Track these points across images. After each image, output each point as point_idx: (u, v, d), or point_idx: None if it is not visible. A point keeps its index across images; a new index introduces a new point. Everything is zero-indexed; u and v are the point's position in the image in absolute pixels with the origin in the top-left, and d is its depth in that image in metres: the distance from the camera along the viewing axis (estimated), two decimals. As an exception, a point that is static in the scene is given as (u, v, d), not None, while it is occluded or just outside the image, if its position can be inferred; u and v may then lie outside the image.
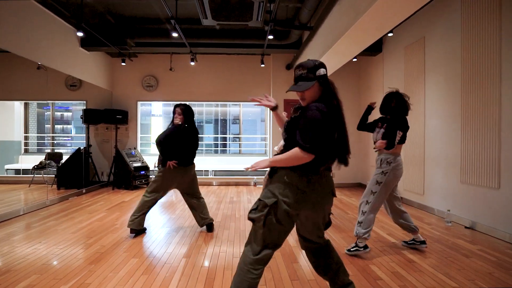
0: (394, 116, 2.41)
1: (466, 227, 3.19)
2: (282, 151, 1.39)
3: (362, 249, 2.34)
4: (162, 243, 2.69)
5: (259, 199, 1.38)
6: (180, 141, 2.81)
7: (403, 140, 2.43)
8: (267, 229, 1.33)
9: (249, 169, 1.38)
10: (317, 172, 1.34)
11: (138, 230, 2.86)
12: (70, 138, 7.29)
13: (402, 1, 2.38)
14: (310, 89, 1.37)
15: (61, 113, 7.28)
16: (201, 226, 3.02)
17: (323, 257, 1.51)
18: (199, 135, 3.04)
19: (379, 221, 3.43)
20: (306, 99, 1.39)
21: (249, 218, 1.37)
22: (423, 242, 2.50)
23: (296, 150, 1.29)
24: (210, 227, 3.02)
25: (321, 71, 1.38)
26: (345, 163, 1.42)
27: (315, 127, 1.28)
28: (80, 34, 3.88)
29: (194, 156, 2.96)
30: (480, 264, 2.24)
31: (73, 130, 7.51)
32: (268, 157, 6.30)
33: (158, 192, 2.85)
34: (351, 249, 2.37)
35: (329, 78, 1.43)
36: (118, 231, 3.02)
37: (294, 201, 1.32)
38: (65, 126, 7.28)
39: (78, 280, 1.96)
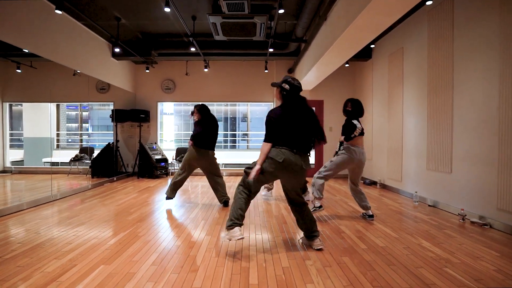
0: (347, 117, 3.18)
1: (429, 205, 3.92)
2: None
3: (318, 208, 3.18)
4: (185, 212, 3.55)
5: (254, 162, 2.24)
6: (209, 131, 3.72)
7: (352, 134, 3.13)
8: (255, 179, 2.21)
9: (252, 178, 2.18)
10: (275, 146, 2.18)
11: (168, 197, 3.84)
12: (87, 136, 8.33)
13: (372, 24, 3.07)
14: (275, 91, 2.37)
15: (83, 112, 8.29)
16: (220, 202, 3.86)
17: (299, 213, 2.37)
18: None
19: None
20: (276, 98, 2.37)
21: (244, 171, 2.27)
22: (371, 216, 3.19)
23: (262, 143, 2.22)
24: (226, 204, 3.87)
25: (285, 85, 2.26)
26: (305, 148, 2.23)
27: (267, 125, 2.20)
28: (117, 50, 4.78)
29: (214, 142, 3.79)
30: (423, 226, 3.00)
31: (90, 128, 8.55)
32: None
33: (184, 169, 3.79)
34: (312, 210, 3.13)
35: (301, 95, 2.29)
36: (150, 205, 3.91)
37: (273, 167, 2.19)
38: (83, 125, 8.31)
39: (131, 230, 2.83)
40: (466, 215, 3.19)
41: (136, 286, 1.76)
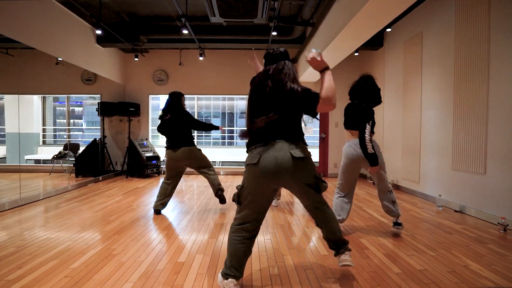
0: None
1: (455, 211, 3.42)
2: None
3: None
4: (175, 221, 3.01)
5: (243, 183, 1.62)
6: (164, 128, 3.18)
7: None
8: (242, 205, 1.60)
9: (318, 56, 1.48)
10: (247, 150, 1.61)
11: (156, 211, 3.23)
12: (81, 131, 7.75)
13: (391, 1, 2.58)
14: None
15: (73, 108, 7.70)
16: (215, 195, 3.38)
17: (319, 216, 1.68)
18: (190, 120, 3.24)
19: (374, 205, 3.68)
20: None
21: (233, 198, 1.64)
22: (398, 224, 2.54)
23: None
24: (221, 199, 3.37)
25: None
26: (290, 133, 1.54)
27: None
28: (98, 32, 4.21)
29: (182, 140, 3.16)
30: (460, 239, 2.49)
31: (84, 124, 7.97)
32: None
33: (168, 176, 3.25)
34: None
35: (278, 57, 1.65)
36: (135, 211, 3.36)
37: (253, 178, 1.54)
38: (76, 120, 7.72)
39: (105, 246, 2.29)
40: (508, 225, 2.69)
41: None
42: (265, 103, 1.54)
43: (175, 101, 3.20)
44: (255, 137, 1.55)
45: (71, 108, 7.68)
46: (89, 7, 4.39)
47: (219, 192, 3.35)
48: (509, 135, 2.79)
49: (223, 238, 2.48)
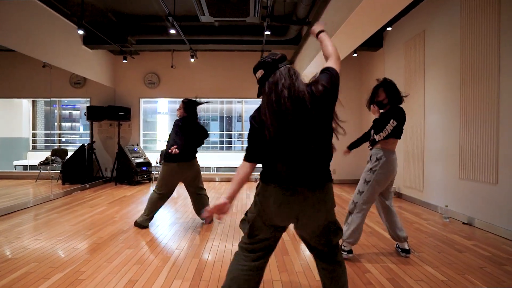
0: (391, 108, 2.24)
1: (464, 223, 3.16)
2: None
3: (345, 253, 2.17)
4: (158, 235, 2.75)
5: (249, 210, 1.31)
6: (181, 136, 2.84)
7: (397, 134, 2.19)
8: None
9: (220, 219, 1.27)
10: (264, 181, 1.22)
11: (142, 226, 2.93)
12: (78, 135, 7.50)
13: None
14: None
15: (69, 111, 7.47)
16: (200, 217, 3.09)
17: (328, 275, 1.31)
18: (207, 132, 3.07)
19: (376, 216, 3.42)
20: None
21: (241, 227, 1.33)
22: (406, 251, 2.25)
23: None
24: (211, 219, 3.08)
25: (259, 73, 1.27)
26: (312, 178, 1.17)
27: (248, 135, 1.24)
28: (81, 32, 3.96)
29: (195, 151, 3.00)
30: (473, 259, 2.23)
31: (81, 128, 7.72)
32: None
33: (165, 188, 2.92)
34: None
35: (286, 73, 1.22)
36: (117, 223, 3.10)
37: (256, 214, 1.24)
38: (73, 124, 7.48)
39: (73, 268, 2.02)
40: (524, 242, 2.43)
41: None
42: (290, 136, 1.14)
43: (192, 108, 2.93)
44: (274, 170, 1.18)
45: (68, 111, 7.45)
46: (71, 5, 4.15)
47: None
48: (523, 142, 2.55)
49: (208, 257, 2.22)
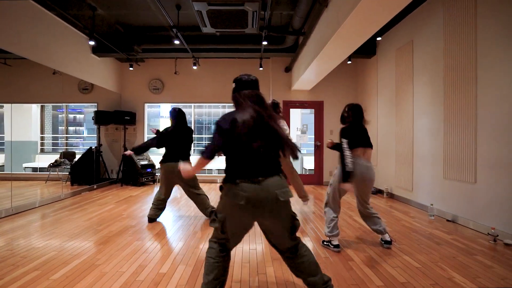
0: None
1: (448, 220, 3.38)
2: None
3: (332, 246, 2.43)
4: (163, 229, 3.00)
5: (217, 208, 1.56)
6: (168, 142, 3.19)
7: (355, 145, 2.46)
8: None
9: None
10: (228, 181, 1.46)
11: (152, 219, 3.27)
12: (82, 139, 7.81)
13: (377, 11, 2.61)
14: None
15: (74, 115, 7.78)
16: (206, 215, 3.37)
17: (294, 262, 1.56)
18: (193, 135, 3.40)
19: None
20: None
21: (211, 220, 1.56)
22: (388, 242, 2.51)
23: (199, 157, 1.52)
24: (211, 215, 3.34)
25: (233, 85, 1.63)
26: (272, 167, 1.47)
27: (213, 134, 1.49)
28: (91, 43, 4.26)
29: (183, 154, 3.23)
30: (448, 250, 2.46)
31: (85, 132, 8.04)
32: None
33: (162, 188, 3.25)
34: (324, 242, 2.55)
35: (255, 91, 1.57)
36: (125, 220, 3.35)
37: (226, 212, 1.49)
38: (77, 127, 7.79)
39: (89, 256, 2.28)
40: (498, 235, 2.65)
41: None
42: (256, 139, 1.44)
43: (182, 116, 3.27)
44: (244, 169, 1.44)
45: (72, 115, 7.77)
46: (83, 18, 4.47)
47: (208, 210, 3.34)
48: (498, 143, 2.78)
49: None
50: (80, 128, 7.79)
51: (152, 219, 3.27)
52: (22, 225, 3.14)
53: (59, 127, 7.39)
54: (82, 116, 7.78)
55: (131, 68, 6.18)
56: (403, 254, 2.36)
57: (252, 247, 2.53)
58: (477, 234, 2.87)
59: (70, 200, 4.55)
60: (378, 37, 4.80)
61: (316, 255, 2.33)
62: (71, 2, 4.05)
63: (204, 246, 2.54)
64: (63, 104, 7.25)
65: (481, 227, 2.94)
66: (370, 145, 2.55)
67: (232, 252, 2.38)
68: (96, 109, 6.56)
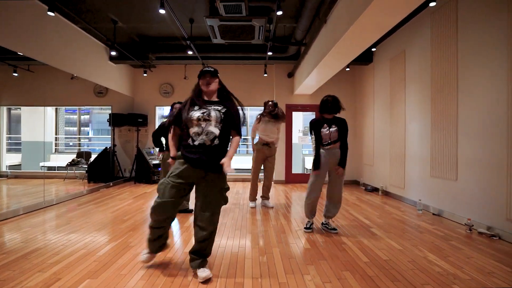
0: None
1: (433, 214, 3.78)
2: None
3: (304, 228, 3.04)
4: (182, 219, 3.42)
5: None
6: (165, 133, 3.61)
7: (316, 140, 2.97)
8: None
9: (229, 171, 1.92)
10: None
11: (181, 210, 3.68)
12: (88, 140, 8.29)
13: (374, 25, 2.96)
14: (216, 82, 2.11)
15: (82, 116, 8.24)
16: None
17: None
18: None
19: (361, 208, 4.06)
20: (212, 88, 2.06)
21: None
22: (334, 229, 3.00)
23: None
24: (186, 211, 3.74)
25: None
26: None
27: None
28: (113, 53, 4.69)
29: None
30: (429, 237, 2.86)
31: (90, 132, 8.52)
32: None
33: (162, 176, 3.69)
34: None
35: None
36: (145, 212, 3.78)
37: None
38: (83, 128, 8.26)
39: (122, 240, 2.70)
40: (473, 225, 3.05)
41: (121, 305, 1.63)
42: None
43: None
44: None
45: (85, 116, 8.23)
46: (104, 30, 4.90)
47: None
48: (476, 145, 3.18)
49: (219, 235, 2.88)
50: (85, 128, 8.26)
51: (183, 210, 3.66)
52: (57, 216, 3.57)
53: (65, 128, 7.87)
54: (87, 117, 8.26)
55: (145, 74, 6.62)
56: (388, 239, 2.77)
57: (260, 234, 2.94)
58: (456, 225, 3.27)
59: (91, 195, 4.98)
60: (373, 48, 5.20)
61: (314, 241, 2.74)
62: (96, 16, 4.49)
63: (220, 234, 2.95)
64: (78, 106, 7.75)
65: (461, 219, 3.33)
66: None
67: (243, 235, 2.80)
68: (111, 112, 7.01)
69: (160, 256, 2.32)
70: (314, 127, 2.95)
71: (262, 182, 4.29)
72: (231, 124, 2.01)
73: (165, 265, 2.16)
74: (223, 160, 1.92)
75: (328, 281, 1.92)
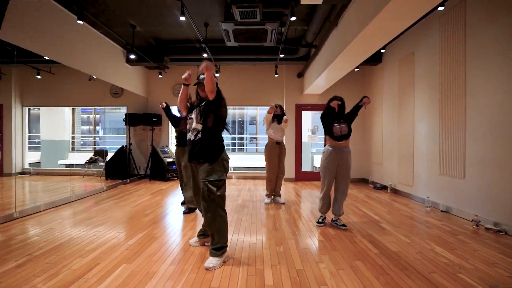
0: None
1: (441, 211, 3.90)
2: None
3: (317, 222, 3.21)
4: (200, 215, 3.63)
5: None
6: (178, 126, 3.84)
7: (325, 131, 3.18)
8: None
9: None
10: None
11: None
12: (98, 139, 8.61)
13: (384, 30, 3.08)
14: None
15: (87, 115, 8.56)
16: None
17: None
18: None
19: (370, 205, 4.20)
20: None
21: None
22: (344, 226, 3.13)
23: None
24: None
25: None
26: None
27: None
28: (132, 56, 4.92)
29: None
30: (436, 232, 2.99)
31: (100, 131, 8.85)
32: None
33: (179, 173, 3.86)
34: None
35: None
36: (164, 207, 4.00)
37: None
38: (90, 127, 8.58)
39: (147, 231, 2.92)
40: (480, 221, 3.17)
41: (158, 285, 1.84)
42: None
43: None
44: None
45: (86, 116, 8.54)
46: (123, 34, 5.14)
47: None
48: (483, 144, 3.29)
49: (236, 225, 3.07)
50: (93, 127, 8.57)
51: (192, 208, 3.81)
52: (83, 210, 3.82)
53: (82, 127, 8.19)
54: (97, 116, 8.58)
55: (160, 76, 6.86)
56: (397, 234, 2.92)
57: (275, 228, 3.12)
58: (464, 221, 3.39)
59: (111, 191, 5.25)
60: (382, 49, 5.30)
61: (327, 234, 2.91)
62: (117, 22, 4.73)
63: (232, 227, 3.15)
64: (94, 107, 8.08)
65: (469, 215, 3.45)
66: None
67: (259, 229, 2.99)
68: (126, 112, 7.29)
69: (187, 244, 2.52)
70: (326, 120, 3.14)
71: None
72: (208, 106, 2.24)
73: (191, 252, 2.36)
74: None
75: (341, 269, 2.10)
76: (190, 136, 2.26)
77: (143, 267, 2.09)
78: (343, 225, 3.12)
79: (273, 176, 4.36)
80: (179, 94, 2.40)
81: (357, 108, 3.17)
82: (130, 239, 2.68)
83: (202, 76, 2.29)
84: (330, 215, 3.52)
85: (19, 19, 3.36)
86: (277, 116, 4.37)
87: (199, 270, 2.05)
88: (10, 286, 1.81)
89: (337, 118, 3.13)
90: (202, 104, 2.26)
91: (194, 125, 2.23)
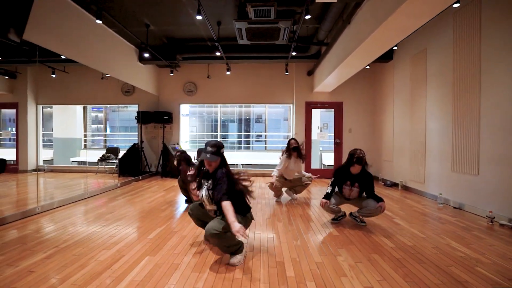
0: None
1: (454, 207, 3.90)
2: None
3: (332, 219, 3.20)
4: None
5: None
6: None
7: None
8: None
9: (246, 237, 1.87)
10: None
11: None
12: (104, 136, 8.76)
13: (399, 27, 3.09)
14: (217, 161, 2.16)
15: (95, 114, 8.71)
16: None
17: None
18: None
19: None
20: (213, 167, 2.16)
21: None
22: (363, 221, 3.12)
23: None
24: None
25: (222, 150, 2.22)
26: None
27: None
28: (146, 55, 5.01)
29: None
30: (450, 227, 3.01)
31: (108, 129, 9.00)
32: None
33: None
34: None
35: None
36: (178, 203, 4.09)
37: None
38: (99, 125, 8.74)
39: (166, 226, 3.00)
40: (494, 218, 3.17)
41: (182, 276, 1.91)
42: None
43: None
44: None
45: (94, 114, 8.70)
46: (137, 33, 5.23)
47: None
48: (497, 141, 3.28)
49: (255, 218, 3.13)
50: (100, 126, 8.72)
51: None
52: (100, 205, 3.93)
53: (92, 125, 8.35)
54: (99, 114, 8.73)
55: (171, 74, 6.95)
56: (412, 229, 2.95)
57: (290, 223, 3.18)
58: (478, 218, 3.40)
59: (125, 188, 5.36)
60: (395, 46, 5.29)
61: (342, 228, 2.95)
62: (131, 21, 4.81)
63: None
64: (106, 105, 8.23)
65: (482, 212, 3.45)
66: None
67: (275, 224, 3.05)
68: (138, 110, 7.41)
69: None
70: (337, 179, 3.06)
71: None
72: (216, 192, 2.09)
73: (212, 245, 2.43)
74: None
75: (359, 261, 2.14)
76: (210, 213, 2.26)
77: (166, 259, 2.17)
78: (363, 221, 3.14)
79: (278, 191, 4.27)
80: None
81: (375, 197, 2.98)
82: (150, 233, 2.76)
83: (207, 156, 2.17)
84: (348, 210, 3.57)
85: (42, 20, 3.46)
86: (296, 149, 4.10)
87: (222, 262, 2.12)
88: (44, 275, 1.90)
89: (352, 179, 3.02)
90: (210, 187, 2.15)
91: (208, 207, 2.21)
